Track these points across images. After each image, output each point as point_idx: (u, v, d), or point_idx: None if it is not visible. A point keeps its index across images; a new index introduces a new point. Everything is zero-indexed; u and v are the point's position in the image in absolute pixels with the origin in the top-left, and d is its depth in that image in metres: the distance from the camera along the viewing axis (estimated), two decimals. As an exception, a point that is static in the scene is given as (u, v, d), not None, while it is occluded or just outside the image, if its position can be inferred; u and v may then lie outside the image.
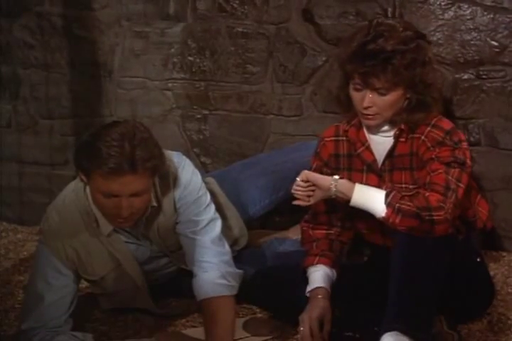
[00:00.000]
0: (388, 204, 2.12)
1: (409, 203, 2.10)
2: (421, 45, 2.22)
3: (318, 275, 2.31)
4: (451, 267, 2.12)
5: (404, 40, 2.17)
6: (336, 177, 2.22)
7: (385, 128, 2.29)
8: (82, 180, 2.14)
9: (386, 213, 2.12)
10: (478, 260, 2.36)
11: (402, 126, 2.25)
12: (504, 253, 2.90)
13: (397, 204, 2.11)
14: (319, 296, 2.27)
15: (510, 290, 2.59)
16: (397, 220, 2.11)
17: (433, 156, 2.20)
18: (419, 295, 2.07)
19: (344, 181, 2.22)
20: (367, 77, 2.17)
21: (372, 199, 2.16)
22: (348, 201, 2.19)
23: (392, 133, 2.28)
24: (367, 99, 2.20)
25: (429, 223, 2.08)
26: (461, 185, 2.17)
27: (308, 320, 2.22)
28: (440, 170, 2.17)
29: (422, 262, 2.08)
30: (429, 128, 2.24)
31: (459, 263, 2.17)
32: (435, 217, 2.08)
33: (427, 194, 2.13)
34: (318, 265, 2.33)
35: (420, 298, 2.06)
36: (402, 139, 2.27)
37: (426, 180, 2.18)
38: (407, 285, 2.08)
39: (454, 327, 2.20)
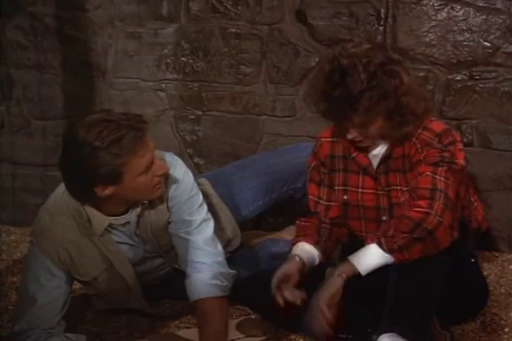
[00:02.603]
0: (389, 251, 2.08)
1: (401, 236, 2.07)
2: (387, 75, 2.13)
3: (296, 249, 2.32)
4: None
5: (368, 78, 2.09)
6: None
7: None
8: (99, 195, 2.10)
9: (394, 258, 2.08)
10: (472, 261, 2.37)
11: None
12: (497, 254, 2.90)
13: (395, 245, 2.07)
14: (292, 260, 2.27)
15: (503, 291, 2.59)
16: (407, 256, 2.07)
17: (421, 158, 2.20)
18: (417, 297, 2.07)
19: (342, 268, 2.13)
20: (339, 120, 2.18)
21: (373, 258, 2.10)
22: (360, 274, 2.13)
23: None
24: (349, 135, 2.20)
25: (428, 236, 2.06)
26: (450, 182, 2.15)
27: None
28: (427, 172, 2.16)
29: (421, 263, 2.08)
30: (420, 131, 2.24)
31: (454, 263, 2.17)
32: (428, 226, 2.06)
33: (407, 211, 2.10)
34: (298, 243, 2.34)
35: (419, 299, 2.07)
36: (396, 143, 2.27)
37: (413, 184, 2.18)
38: (405, 286, 2.08)
39: (447, 328, 2.20)
